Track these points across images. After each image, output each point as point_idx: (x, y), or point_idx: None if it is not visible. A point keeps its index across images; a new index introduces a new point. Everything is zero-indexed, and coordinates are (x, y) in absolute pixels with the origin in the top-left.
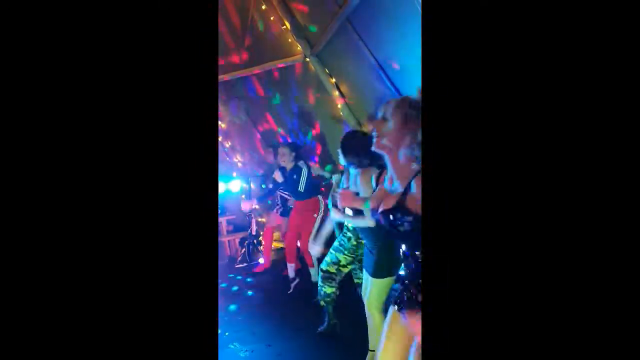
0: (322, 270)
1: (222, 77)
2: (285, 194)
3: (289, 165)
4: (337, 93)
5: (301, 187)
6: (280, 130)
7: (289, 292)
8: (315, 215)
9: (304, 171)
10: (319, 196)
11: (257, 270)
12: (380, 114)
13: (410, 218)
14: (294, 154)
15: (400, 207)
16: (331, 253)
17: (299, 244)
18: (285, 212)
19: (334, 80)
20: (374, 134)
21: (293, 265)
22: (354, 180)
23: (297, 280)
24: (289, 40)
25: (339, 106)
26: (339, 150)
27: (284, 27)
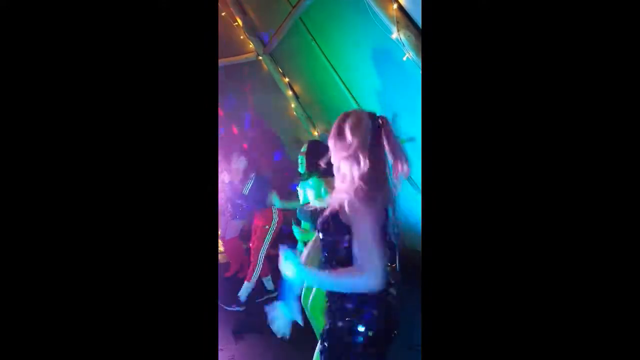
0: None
1: None
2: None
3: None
4: (290, 92)
5: (245, 191)
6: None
7: (259, 300)
8: (267, 227)
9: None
10: (273, 207)
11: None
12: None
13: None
14: (243, 159)
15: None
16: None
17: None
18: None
19: (287, 79)
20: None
21: (268, 277)
22: (317, 192)
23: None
24: (241, 37)
25: (292, 106)
26: (302, 158)
27: (236, 24)
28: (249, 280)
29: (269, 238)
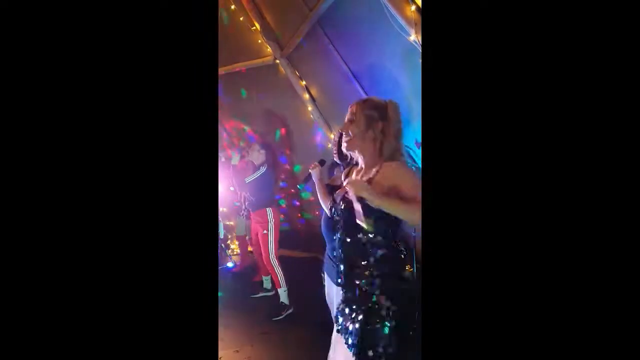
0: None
1: None
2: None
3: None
4: (307, 96)
5: (248, 179)
6: (248, 129)
7: (253, 296)
8: (265, 232)
9: (262, 170)
10: (268, 208)
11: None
12: (347, 116)
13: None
14: (263, 152)
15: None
16: None
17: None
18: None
19: (304, 82)
20: (343, 135)
21: (268, 277)
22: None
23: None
24: (259, 41)
25: (309, 109)
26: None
27: (254, 28)
28: (279, 287)
29: (271, 241)
